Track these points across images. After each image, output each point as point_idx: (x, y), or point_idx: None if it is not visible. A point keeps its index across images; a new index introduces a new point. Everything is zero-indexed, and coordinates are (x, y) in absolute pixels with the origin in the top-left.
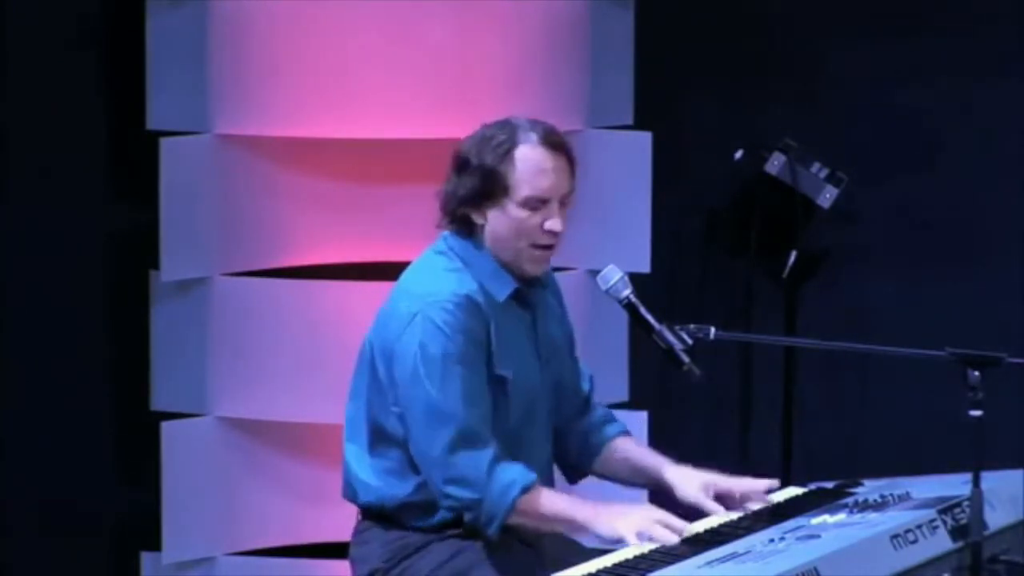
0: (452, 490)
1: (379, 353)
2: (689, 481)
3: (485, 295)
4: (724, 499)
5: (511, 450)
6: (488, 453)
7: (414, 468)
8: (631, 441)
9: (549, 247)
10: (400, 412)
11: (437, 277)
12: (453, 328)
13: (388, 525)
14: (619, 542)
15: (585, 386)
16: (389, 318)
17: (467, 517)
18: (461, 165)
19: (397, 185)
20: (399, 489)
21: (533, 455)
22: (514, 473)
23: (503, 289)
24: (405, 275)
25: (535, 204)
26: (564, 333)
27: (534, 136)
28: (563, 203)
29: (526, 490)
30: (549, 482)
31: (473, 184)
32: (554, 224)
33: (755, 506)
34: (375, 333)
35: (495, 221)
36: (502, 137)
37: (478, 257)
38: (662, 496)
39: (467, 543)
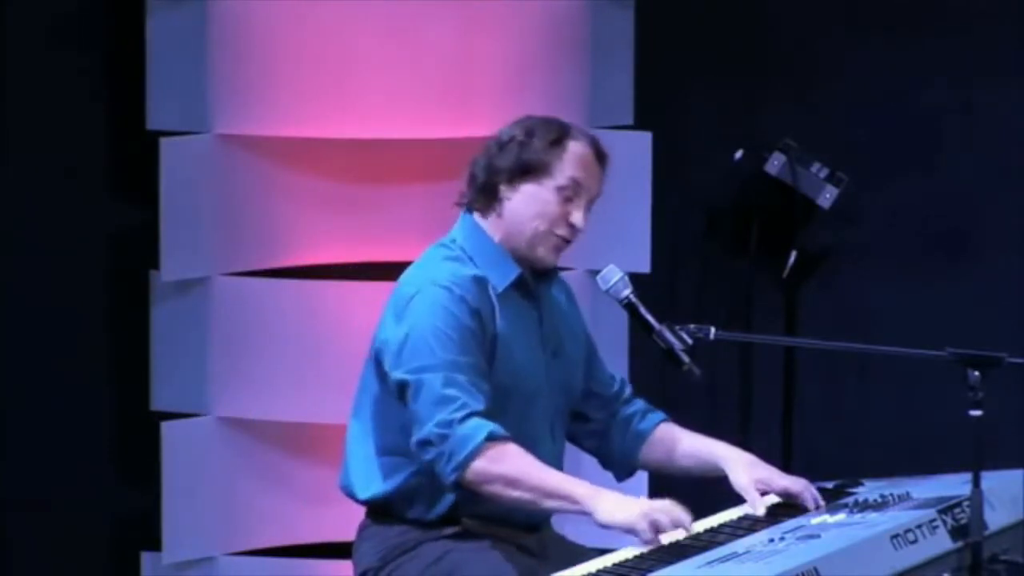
0: (424, 432)
1: (382, 341)
2: (744, 468)
3: (486, 282)
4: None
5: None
6: (468, 404)
7: (413, 457)
8: (675, 428)
9: (566, 241)
10: (397, 378)
11: (437, 264)
12: (453, 303)
13: (388, 521)
14: (611, 529)
15: (614, 384)
16: (390, 306)
17: (429, 455)
18: (504, 141)
19: (397, 185)
20: (396, 479)
21: (536, 452)
22: (487, 423)
23: (504, 278)
24: (408, 268)
25: (569, 194)
26: (577, 331)
27: (584, 138)
28: (589, 205)
29: (496, 438)
30: None
31: (515, 158)
32: (578, 219)
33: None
34: (380, 327)
35: (523, 197)
36: (555, 126)
37: (482, 246)
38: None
39: (459, 544)
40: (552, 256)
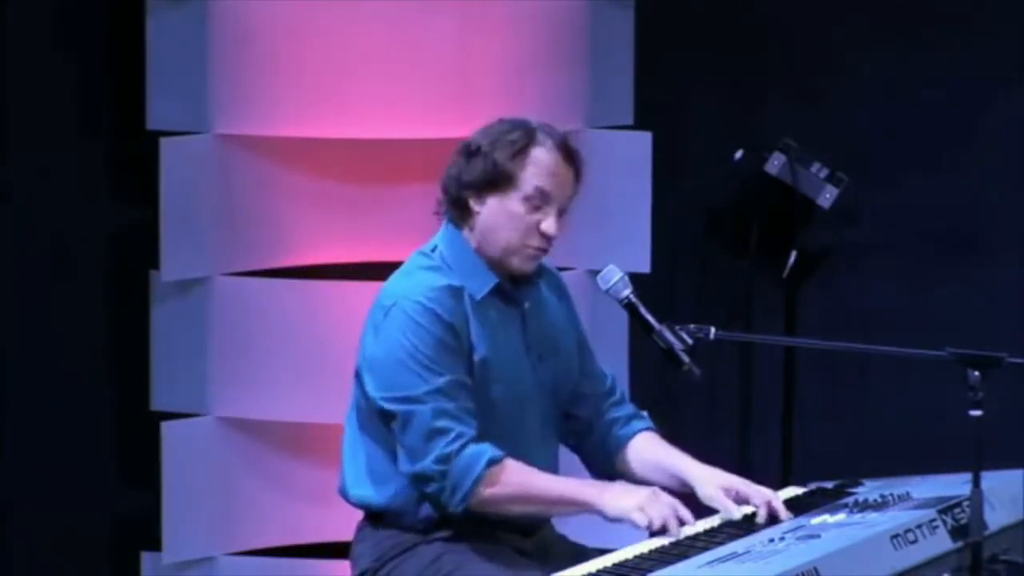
0: (422, 466)
1: (363, 358)
2: (710, 481)
3: (462, 292)
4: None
5: (504, 451)
6: (462, 433)
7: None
8: (654, 438)
9: (541, 250)
10: (381, 406)
11: (413, 275)
12: (427, 319)
13: (379, 525)
14: (622, 522)
15: (605, 382)
16: (370, 318)
17: (431, 489)
18: (471, 152)
19: (397, 185)
20: (387, 491)
21: (529, 457)
22: (483, 448)
23: (482, 287)
24: (391, 276)
25: (536, 203)
26: (568, 330)
27: (550, 141)
28: (562, 211)
29: (495, 462)
30: None
31: (480, 171)
32: (549, 227)
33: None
34: (362, 339)
35: (492, 210)
36: (519, 134)
37: (461, 256)
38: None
39: (453, 545)
40: (527, 264)
